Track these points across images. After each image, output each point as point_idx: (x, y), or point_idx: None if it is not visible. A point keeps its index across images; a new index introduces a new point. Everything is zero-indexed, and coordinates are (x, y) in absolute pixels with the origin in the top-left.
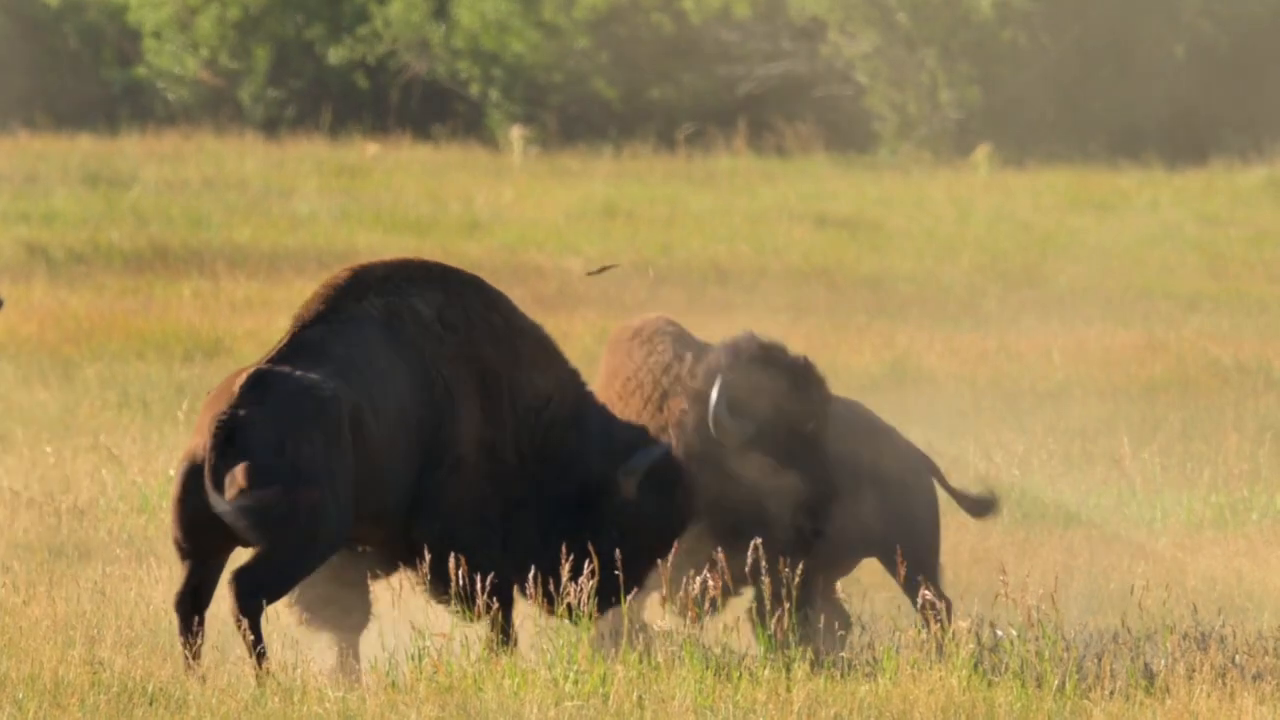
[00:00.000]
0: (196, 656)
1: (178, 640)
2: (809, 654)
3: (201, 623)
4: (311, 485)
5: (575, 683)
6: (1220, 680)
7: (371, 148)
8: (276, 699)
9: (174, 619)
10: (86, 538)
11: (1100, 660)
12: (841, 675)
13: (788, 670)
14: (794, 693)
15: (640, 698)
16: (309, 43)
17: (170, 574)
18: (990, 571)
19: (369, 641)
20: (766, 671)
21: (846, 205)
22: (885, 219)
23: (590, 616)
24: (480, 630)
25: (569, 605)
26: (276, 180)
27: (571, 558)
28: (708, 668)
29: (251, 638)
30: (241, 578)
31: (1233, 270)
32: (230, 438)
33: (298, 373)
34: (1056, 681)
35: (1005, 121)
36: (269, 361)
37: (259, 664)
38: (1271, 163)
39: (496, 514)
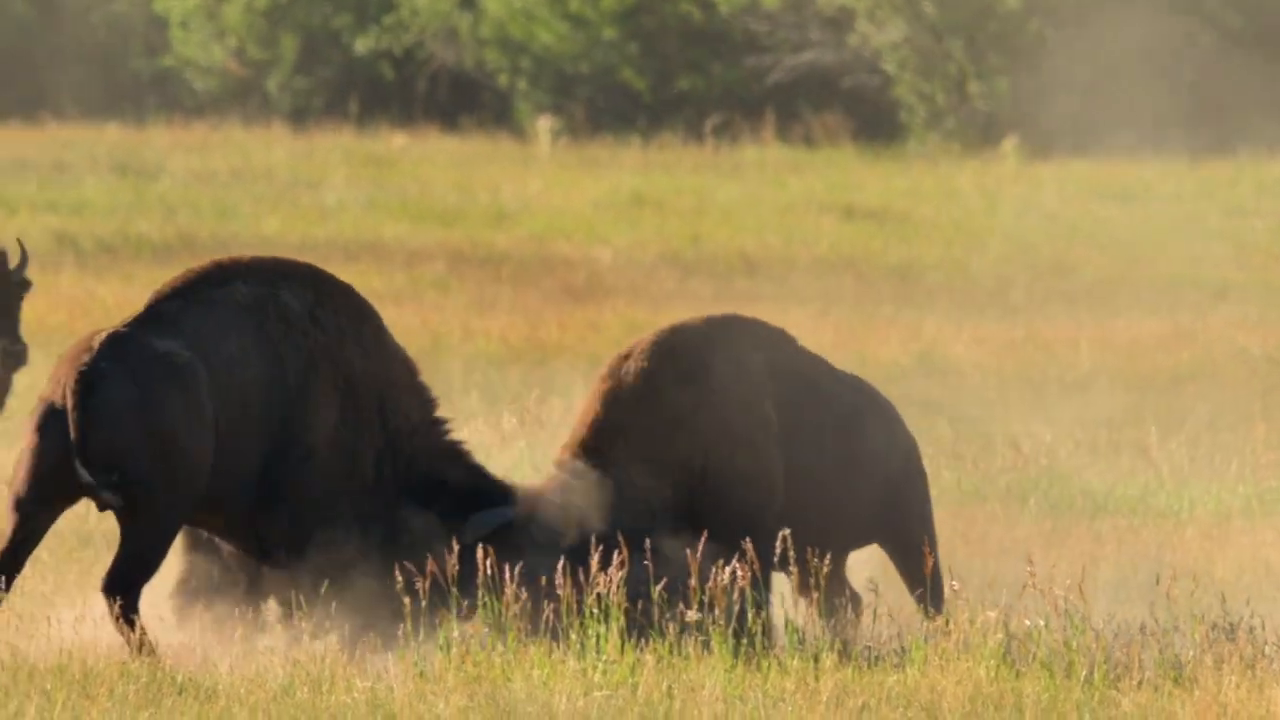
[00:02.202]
0: None
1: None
2: (837, 644)
3: (9, 587)
4: (170, 440)
5: (604, 673)
6: (1249, 670)
7: (399, 138)
8: (305, 689)
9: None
10: (114, 528)
11: (1128, 650)
12: (869, 665)
13: (816, 660)
14: (822, 682)
15: (669, 687)
16: (336, 32)
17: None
18: (1018, 561)
19: (397, 631)
20: (795, 661)
21: (874, 196)
22: (913, 209)
23: (620, 607)
24: (507, 621)
25: (598, 595)
26: (304, 171)
27: (600, 548)
28: (736, 657)
29: (135, 633)
30: (109, 577)
31: (1259, 260)
32: (90, 389)
33: (154, 338)
34: (1084, 672)
35: (1033, 112)
36: (125, 326)
37: (143, 654)
38: None
39: (348, 518)
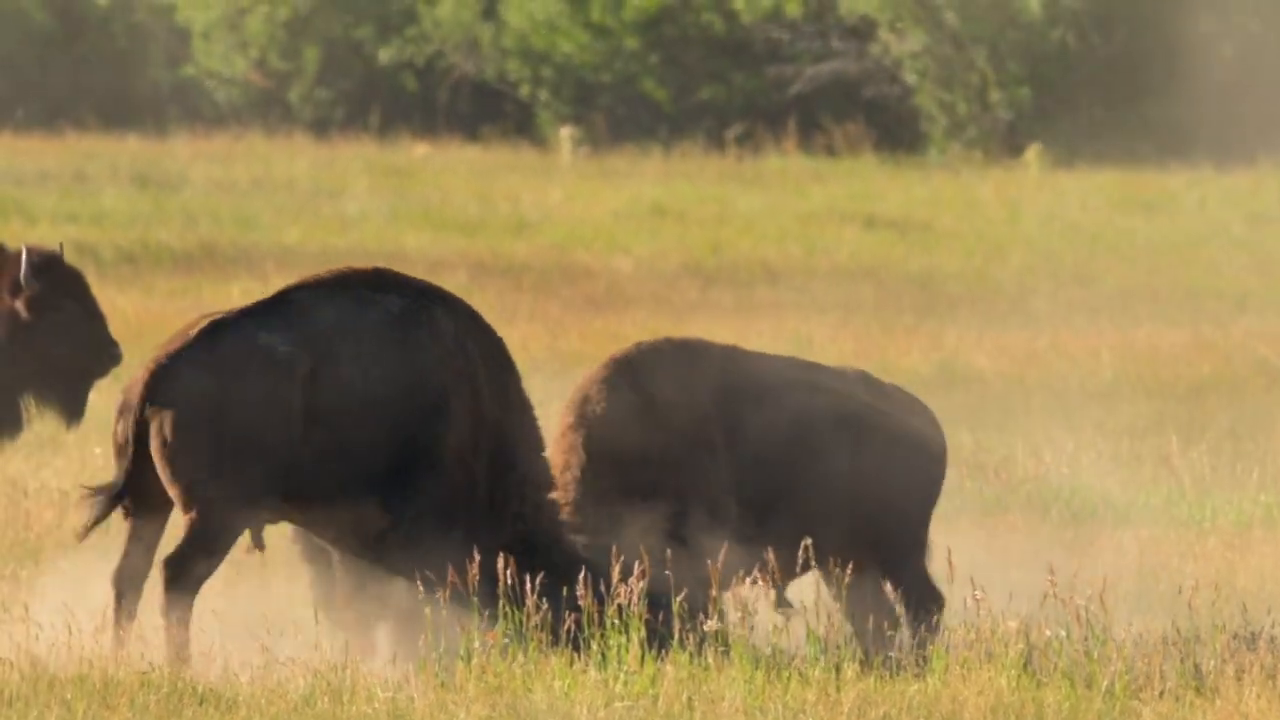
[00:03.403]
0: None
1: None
2: (858, 654)
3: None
4: (232, 435)
5: (625, 683)
6: (1270, 681)
7: (420, 148)
8: (326, 699)
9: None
10: None
11: (1150, 660)
12: (891, 675)
13: (837, 671)
14: (844, 693)
15: (690, 698)
16: (358, 43)
17: (220, 574)
18: (1038, 571)
19: (418, 642)
20: (816, 672)
21: (896, 205)
22: (934, 219)
23: (640, 617)
24: (529, 630)
25: (619, 606)
26: (325, 181)
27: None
28: (758, 668)
29: (176, 635)
30: (164, 572)
31: None
32: (163, 376)
33: (259, 329)
34: (1106, 682)
35: (1055, 121)
36: (235, 313)
37: (178, 659)
38: None
39: (460, 537)
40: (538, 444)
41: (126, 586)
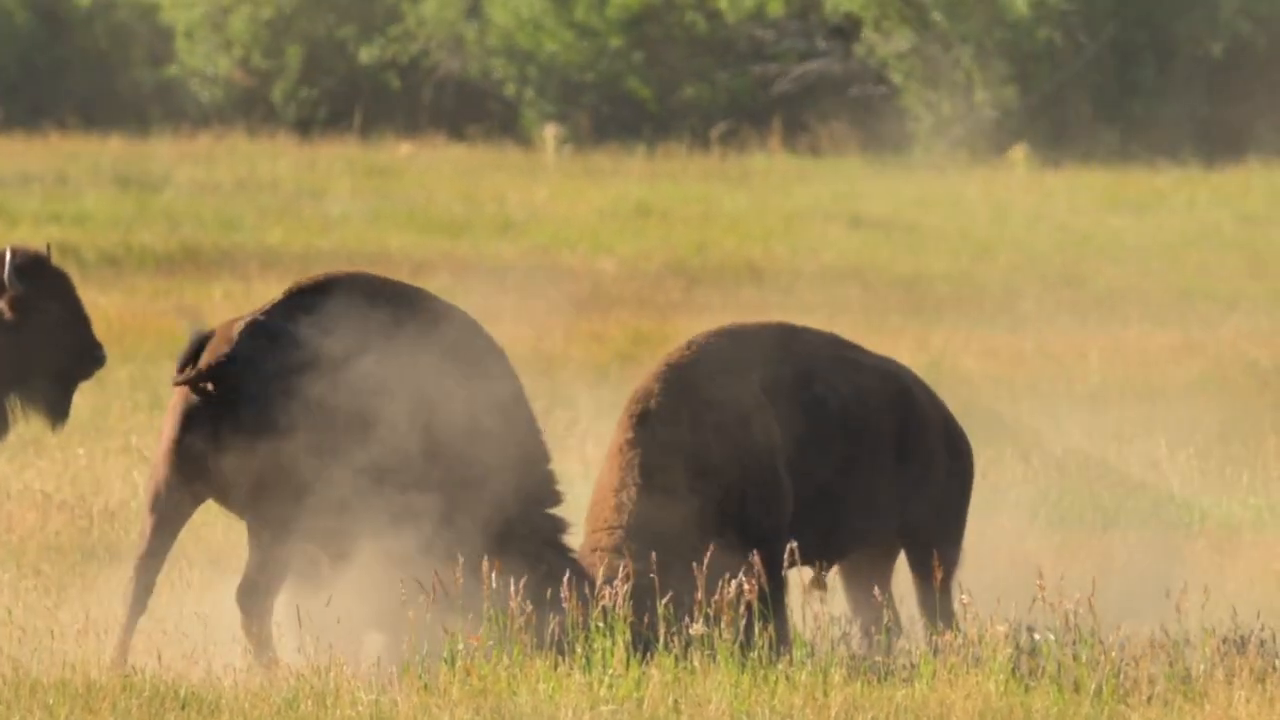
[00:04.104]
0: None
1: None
2: (846, 658)
3: (150, 590)
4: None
5: (610, 687)
6: (1260, 684)
7: (404, 148)
8: (309, 702)
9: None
10: (118, 540)
11: (1138, 664)
12: (879, 680)
13: (825, 675)
14: (831, 697)
15: (676, 702)
16: (341, 42)
17: (203, 577)
18: (1027, 575)
19: (403, 645)
20: (803, 676)
21: (881, 205)
22: (921, 219)
23: (625, 620)
24: (513, 634)
25: (603, 609)
26: (308, 181)
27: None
28: (744, 672)
29: (254, 643)
30: (240, 584)
31: (1272, 270)
32: (220, 375)
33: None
34: (1094, 686)
35: (1042, 121)
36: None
37: (269, 668)
38: None
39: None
40: (540, 458)
41: (148, 580)
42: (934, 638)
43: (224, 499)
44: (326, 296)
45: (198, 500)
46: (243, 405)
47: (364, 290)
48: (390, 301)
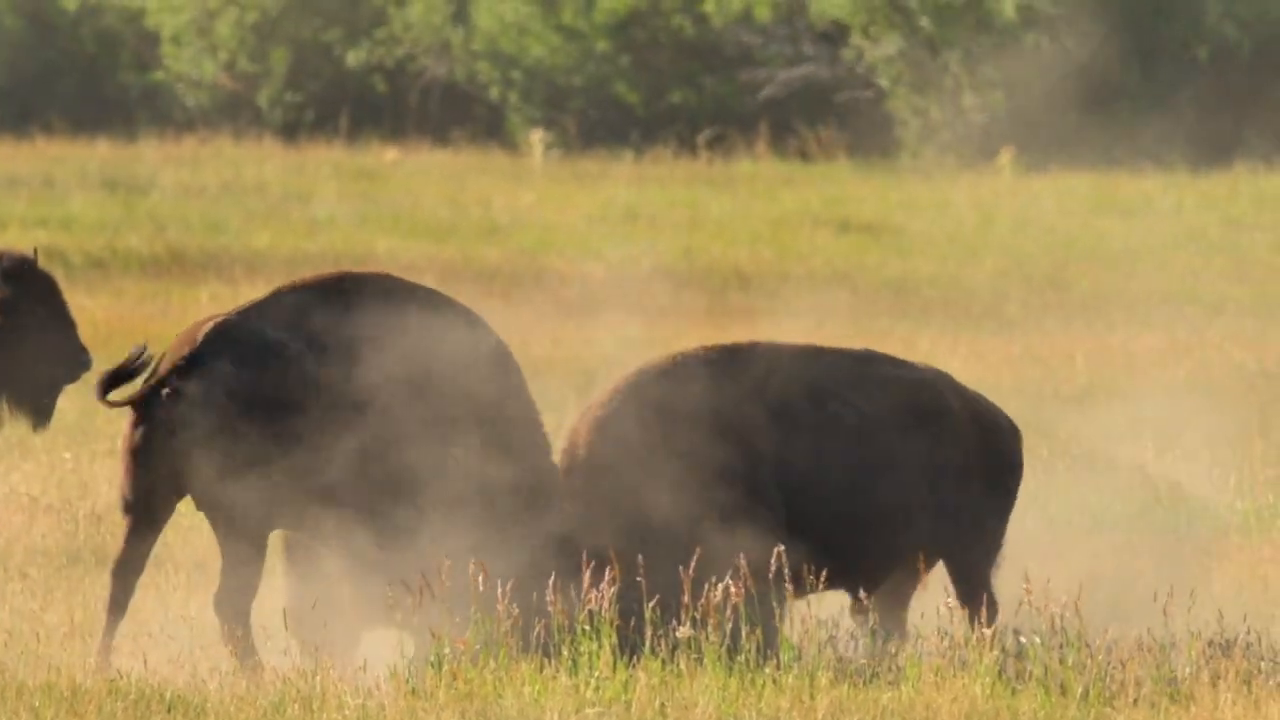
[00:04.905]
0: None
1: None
2: (833, 661)
3: (129, 595)
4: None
5: (597, 689)
6: (1245, 687)
7: (390, 152)
8: (296, 706)
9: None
10: (104, 543)
11: (1125, 667)
12: (865, 683)
13: (811, 678)
14: (818, 700)
15: (663, 705)
16: (327, 46)
17: (189, 581)
18: (1014, 578)
19: (389, 648)
20: (790, 679)
21: (869, 209)
22: (908, 223)
23: (612, 623)
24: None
25: (590, 611)
26: (295, 185)
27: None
28: (731, 674)
29: (237, 649)
30: (216, 595)
31: (1258, 274)
32: (185, 373)
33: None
34: (1080, 689)
35: (1029, 125)
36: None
37: (254, 672)
38: None
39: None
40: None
41: (126, 582)
42: (919, 640)
43: (194, 500)
44: (309, 296)
45: (168, 502)
46: (204, 410)
47: (350, 290)
48: (381, 301)
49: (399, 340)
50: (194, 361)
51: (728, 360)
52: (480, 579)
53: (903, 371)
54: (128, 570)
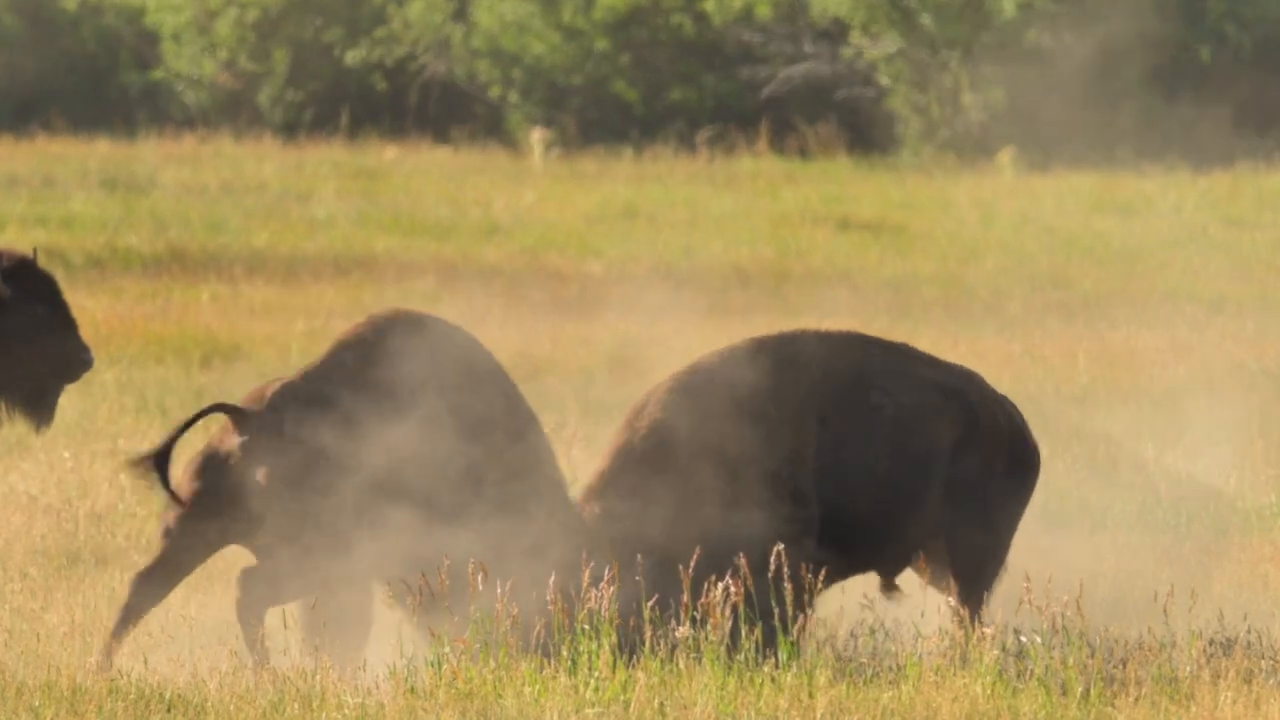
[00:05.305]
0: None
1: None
2: (832, 660)
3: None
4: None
5: (596, 689)
6: (1246, 686)
7: (390, 151)
8: (295, 705)
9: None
10: (104, 543)
11: (1125, 666)
12: (864, 682)
13: (810, 677)
14: (817, 699)
15: (662, 704)
16: (327, 45)
17: (188, 581)
18: (1014, 577)
19: (388, 648)
20: (789, 678)
21: (869, 208)
22: (908, 222)
23: (611, 622)
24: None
25: (590, 611)
26: (295, 184)
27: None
28: (730, 674)
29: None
30: (242, 581)
31: (1259, 273)
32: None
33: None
34: (1081, 688)
35: (1029, 124)
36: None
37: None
38: None
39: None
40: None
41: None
42: (919, 640)
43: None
44: (369, 355)
45: (218, 545)
46: (273, 466)
47: (410, 345)
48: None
49: (445, 398)
50: (264, 420)
51: (778, 348)
52: (482, 579)
53: (937, 371)
54: (155, 584)
